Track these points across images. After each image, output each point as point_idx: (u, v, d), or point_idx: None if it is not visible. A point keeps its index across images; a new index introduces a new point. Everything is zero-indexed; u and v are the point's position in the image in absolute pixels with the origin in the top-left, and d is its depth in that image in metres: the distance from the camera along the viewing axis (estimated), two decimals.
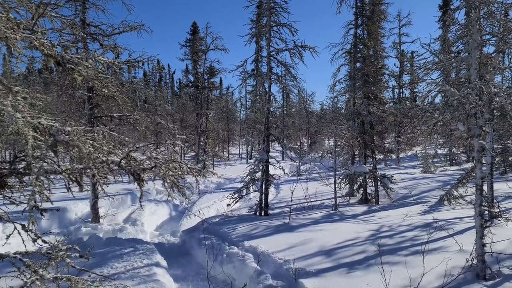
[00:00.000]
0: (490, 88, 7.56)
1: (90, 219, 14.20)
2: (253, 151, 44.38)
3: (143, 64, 13.15)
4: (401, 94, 35.31)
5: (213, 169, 31.21)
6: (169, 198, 19.92)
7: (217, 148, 42.07)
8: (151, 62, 13.96)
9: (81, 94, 12.83)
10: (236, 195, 15.14)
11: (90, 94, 12.53)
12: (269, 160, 14.46)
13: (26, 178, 5.76)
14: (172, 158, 6.49)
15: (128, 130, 18.06)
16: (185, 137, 26.11)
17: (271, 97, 14.58)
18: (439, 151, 34.05)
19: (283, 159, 36.89)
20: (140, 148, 6.46)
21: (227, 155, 45.64)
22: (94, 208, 13.83)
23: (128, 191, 19.25)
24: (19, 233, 5.76)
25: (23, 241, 5.99)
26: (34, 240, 5.56)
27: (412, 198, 15.90)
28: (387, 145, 22.42)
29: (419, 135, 8.62)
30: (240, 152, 50.40)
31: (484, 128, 7.66)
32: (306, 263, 8.53)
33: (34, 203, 4.89)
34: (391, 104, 32.31)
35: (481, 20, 8.15)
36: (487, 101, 7.76)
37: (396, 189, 16.90)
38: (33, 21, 5.22)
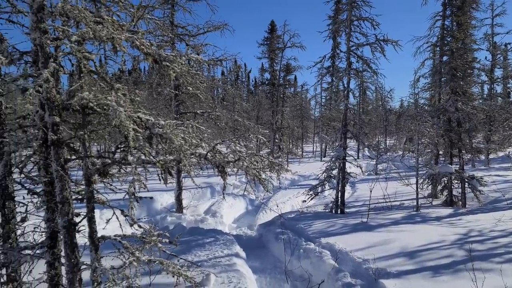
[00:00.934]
0: None
1: (174, 209, 15.12)
2: (327, 149, 43.81)
3: (222, 63, 13.68)
4: (492, 90, 32.51)
5: (287, 166, 31.39)
6: (245, 193, 20.49)
7: (291, 145, 42.20)
8: (230, 60, 14.44)
9: (168, 92, 13.75)
10: (311, 192, 15.13)
11: (177, 92, 13.35)
12: (346, 157, 14.22)
13: (125, 168, 6.31)
14: (255, 152, 6.71)
15: (207, 126, 18.90)
16: (267, 131, 26.57)
17: (350, 93, 14.31)
18: None
19: (358, 158, 35.94)
20: (225, 141, 6.77)
21: (301, 152, 45.57)
22: (178, 199, 14.70)
23: (208, 184, 20.14)
24: (117, 218, 6.37)
25: (120, 225, 6.61)
26: (131, 225, 6.10)
27: (506, 202, 14.61)
28: (475, 144, 20.81)
29: None
30: (314, 149, 50.01)
31: None
32: (387, 264, 8.29)
33: (134, 191, 5.36)
34: (480, 101, 29.90)
35: None
36: None
37: (486, 192, 15.66)
38: (133, 23, 5.72)
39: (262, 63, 59.89)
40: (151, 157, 6.06)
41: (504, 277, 7.01)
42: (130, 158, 5.98)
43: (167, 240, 6.47)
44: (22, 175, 6.01)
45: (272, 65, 32.43)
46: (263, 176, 6.76)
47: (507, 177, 21.41)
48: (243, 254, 9.98)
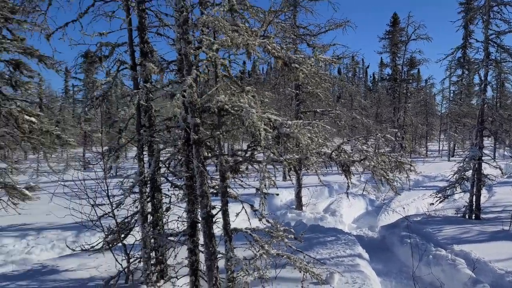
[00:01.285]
0: None
1: (294, 206, 15.46)
2: (456, 148, 40.00)
3: (341, 60, 13.50)
4: None
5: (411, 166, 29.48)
6: (365, 193, 19.91)
7: (414, 143, 39.59)
8: (349, 57, 14.20)
9: (289, 92, 14.10)
10: (440, 194, 14.05)
11: (297, 91, 13.61)
12: (483, 157, 12.83)
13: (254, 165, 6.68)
14: (382, 151, 6.52)
15: (327, 124, 18.90)
16: (396, 130, 25.49)
17: (488, 86, 12.87)
18: None
19: (495, 158, 32.05)
20: (351, 141, 6.71)
21: (425, 151, 42.41)
22: (298, 196, 14.98)
23: (326, 183, 20.05)
24: (245, 211, 6.78)
25: (248, 218, 7.02)
26: (259, 219, 6.44)
27: None
28: None
29: None
30: (441, 148, 46.04)
31: None
32: None
33: (264, 187, 5.67)
34: None
35: None
36: None
37: None
38: (263, 28, 6.02)
39: (381, 58, 57.24)
40: (278, 156, 6.32)
41: None
42: (261, 156, 6.33)
43: (292, 236, 6.68)
44: (167, 170, 6.81)
45: (394, 59, 30.86)
46: (391, 176, 6.53)
47: None
48: (366, 255, 9.75)
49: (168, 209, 7.08)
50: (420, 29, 26.94)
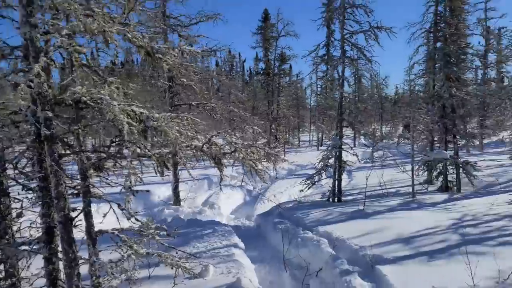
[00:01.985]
0: None
1: (171, 202, 15.14)
2: (323, 138, 43.86)
3: (216, 53, 13.58)
4: (485, 75, 32.55)
5: (284, 156, 31.41)
6: (243, 184, 20.53)
7: (288, 135, 42.23)
8: (224, 51, 14.36)
9: (162, 84, 13.65)
10: (308, 181, 15.18)
11: (170, 84, 13.26)
12: (342, 146, 14.25)
13: (120, 162, 6.29)
14: (251, 143, 6.71)
15: (202, 118, 18.87)
16: (262, 122, 26.56)
17: (345, 81, 14.27)
18: None
19: (354, 146, 36.02)
20: (221, 133, 6.75)
21: (297, 142, 45.60)
22: (175, 191, 14.71)
23: (205, 176, 20.15)
24: (114, 211, 6.36)
25: (117, 219, 6.60)
26: (128, 218, 6.08)
27: (499, 186, 14.75)
28: (469, 130, 20.85)
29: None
30: (311, 139, 50.07)
31: None
32: (383, 250, 8.37)
33: (130, 184, 5.35)
34: (474, 86, 29.97)
35: None
36: None
37: (480, 177, 15.77)
38: (125, 15, 5.65)
39: (256, 52, 59.44)
40: (146, 151, 6.05)
41: (498, 260, 7.09)
42: (125, 151, 5.97)
43: (165, 233, 6.48)
44: (17, 171, 5.99)
45: (266, 54, 32.28)
46: (260, 166, 6.77)
47: (501, 161, 21.58)
48: (241, 244, 10.04)
49: (19, 215, 6.25)
50: (288, 26, 28.72)
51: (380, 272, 7.38)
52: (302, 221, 11.51)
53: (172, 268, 6.29)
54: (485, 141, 30.68)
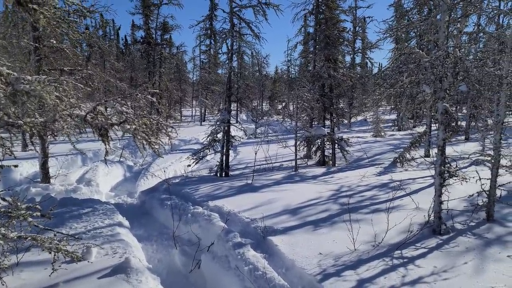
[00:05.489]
0: (456, 52, 7.77)
1: (39, 179, 13.35)
2: (206, 113, 43.69)
3: (90, 14, 12.05)
4: (353, 60, 35.95)
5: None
6: (122, 159, 19.25)
7: (170, 108, 40.89)
8: (96, 15, 12.84)
9: (26, 44, 11.55)
10: (195, 156, 14.92)
11: (37, 45, 11.37)
12: (230, 120, 14.26)
13: None
14: (143, 113, 6.11)
15: (76, 87, 16.92)
16: (157, 90, 25.01)
17: (234, 55, 14.16)
18: (387, 117, 35.54)
19: (237, 122, 36.68)
20: (109, 101, 6.00)
21: (180, 116, 44.60)
22: (44, 167, 12.97)
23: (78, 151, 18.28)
24: None
25: None
26: None
27: (367, 160, 16.51)
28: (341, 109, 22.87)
29: (385, 96, 8.77)
30: (193, 114, 49.46)
31: (448, 91, 7.93)
32: (273, 222, 8.62)
33: None
34: (345, 70, 32.88)
35: None
36: (452, 64, 7.98)
37: (351, 152, 17.44)
38: None
39: (133, 20, 55.70)
40: (17, 119, 5.08)
41: (374, 225, 7.88)
42: None
43: (39, 214, 5.60)
44: None
45: (147, 22, 30.35)
46: (153, 139, 6.24)
47: (366, 138, 24.23)
48: (126, 223, 9.36)
49: None
50: None
51: (272, 243, 7.58)
52: (191, 196, 11.23)
53: (50, 253, 5.48)
54: (352, 120, 34.12)
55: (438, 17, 8.13)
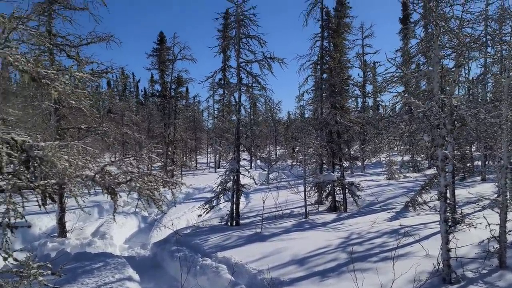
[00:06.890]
0: (451, 101, 8.03)
1: (56, 234, 13.72)
2: (221, 160, 44.26)
3: (107, 74, 12.84)
4: (364, 103, 36.47)
5: (181, 179, 30.88)
6: (137, 210, 19.55)
7: (185, 157, 41.70)
8: (117, 71, 13.68)
9: (47, 106, 12.39)
10: (207, 206, 15.12)
11: (57, 106, 12.17)
12: (239, 169, 14.56)
13: None
14: (148, 171, 6.47)
15: (94, 141, 17.61)
16: (160, 150, 25.77)
17: (241, 107, 14.72)
18: (405, 158, 35.36)
19: (251, 168, 37.02)
20: (116, 162, 6.40)
21: (195, 164, 45.28)
22: (61, 222, 13.39)
23: (95, 203, 18.75)
24: None
25: None
26: (5, 259, 5.40)
27: (379, 205, 16.42)
28: (352, 152, 23.04)
29: (385, 144, 8.99)
30: (208, 161, 50.15)
31: (446, 138, 8.11)
32: (280, 273, 8.65)
33: (8, 221, 4.77)
34: (355, 113, 33.30)
35: (441, 35, 8.65)
36: (449, 113, 8.22)
37: (363, 196, 17.41)
38: (4, 36, 5.12)
39: (152, 73, 58.16)
40: (28, 182, 5.48)
41: (380, 275, 7.83)
42: (2, 184, 5.32)
43: (50, 272, 5.85)
44: None
45: (162, 76, 31.77)
46: (157, 195, 6.55)
47: (379, 181, 24.11)
48: (136, 277, 9.49)
49: None
50: (185, 50, 28.84)
51: None
52: (201, 247, 11.35)
53: None
54: (365, 162, 34.06)
55: (430, 68, 8.48)
